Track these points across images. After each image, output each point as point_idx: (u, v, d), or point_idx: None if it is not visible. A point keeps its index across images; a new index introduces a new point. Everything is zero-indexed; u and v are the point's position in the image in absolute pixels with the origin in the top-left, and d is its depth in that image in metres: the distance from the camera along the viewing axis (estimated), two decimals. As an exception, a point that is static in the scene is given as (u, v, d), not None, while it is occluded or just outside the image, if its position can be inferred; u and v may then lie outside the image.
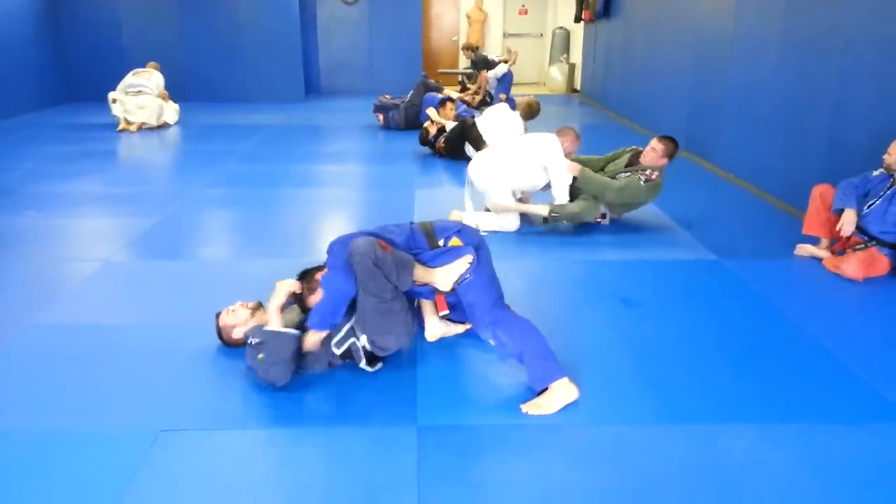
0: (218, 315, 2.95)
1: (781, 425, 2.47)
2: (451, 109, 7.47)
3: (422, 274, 2.75)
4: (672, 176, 6.19)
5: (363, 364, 2.73)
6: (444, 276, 2.76)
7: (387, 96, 8.71)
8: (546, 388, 2.58)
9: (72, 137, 7.84)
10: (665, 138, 4.58)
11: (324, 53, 11.94)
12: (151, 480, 2.15)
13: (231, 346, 2.92)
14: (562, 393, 2.56)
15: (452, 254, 2.79)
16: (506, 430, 2.43)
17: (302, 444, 2.37)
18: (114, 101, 8.16)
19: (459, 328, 3.08)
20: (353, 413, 2.53)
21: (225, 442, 2.37)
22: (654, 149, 4.54)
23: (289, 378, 2.62)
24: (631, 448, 2.34)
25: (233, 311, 2.92)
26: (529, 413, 2.50)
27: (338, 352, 2.71)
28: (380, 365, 2.79)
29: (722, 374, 2.81)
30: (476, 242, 2.84)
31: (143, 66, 8.81)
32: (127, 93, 8.23)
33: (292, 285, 2.81)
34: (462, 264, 2.76)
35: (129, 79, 8.36)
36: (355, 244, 2.61)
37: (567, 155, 4.53)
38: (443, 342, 3.03)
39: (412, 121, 8.18)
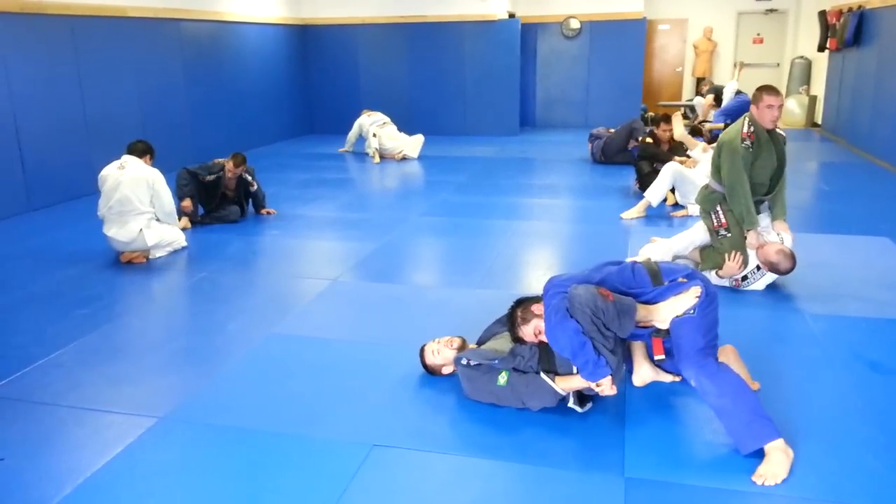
0: (422, 349, 3.03)
1: None
2: (666, 131, 6.87)
3: (644, 314, 2.60)
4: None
5: (572, 403, 2.64)
6: (668, 309, 2.58)
7: (603, 129, 8.71)
8: (761, 452, 2.32)
9: (310, 166, 8.72)
10: None
11: (541, 87, 12.10)
12: (363, 493, 2.26)
13: (434, 375, 3.00)
14: (783, 456, 2.30)
15: (680, 288, 2.61)
16: (724, 494, 2.22)
17: (507, 477, 2.36)
18: (374, 135, 9.07)
19: (668, 377, 2.85)
20: (559, 453, 2.46)
21: (432, 464, 2.43)
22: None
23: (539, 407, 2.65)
24: (879, 538, 2.01)
25: (437, 351, 2.97)
26: (763, 484, 2.24)
27: None
28: (589, 405, 2.69)
29: None
30: (706, 285, 2.64)
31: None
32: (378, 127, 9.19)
33: (611, 389, 2.53)
34: (689, 298, 2.56)
35: (373, 117, 9.26)
36: (575, 294, 2.49)
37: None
38: (654, 392, 2.85)
39: (610, 155, 8.14)
